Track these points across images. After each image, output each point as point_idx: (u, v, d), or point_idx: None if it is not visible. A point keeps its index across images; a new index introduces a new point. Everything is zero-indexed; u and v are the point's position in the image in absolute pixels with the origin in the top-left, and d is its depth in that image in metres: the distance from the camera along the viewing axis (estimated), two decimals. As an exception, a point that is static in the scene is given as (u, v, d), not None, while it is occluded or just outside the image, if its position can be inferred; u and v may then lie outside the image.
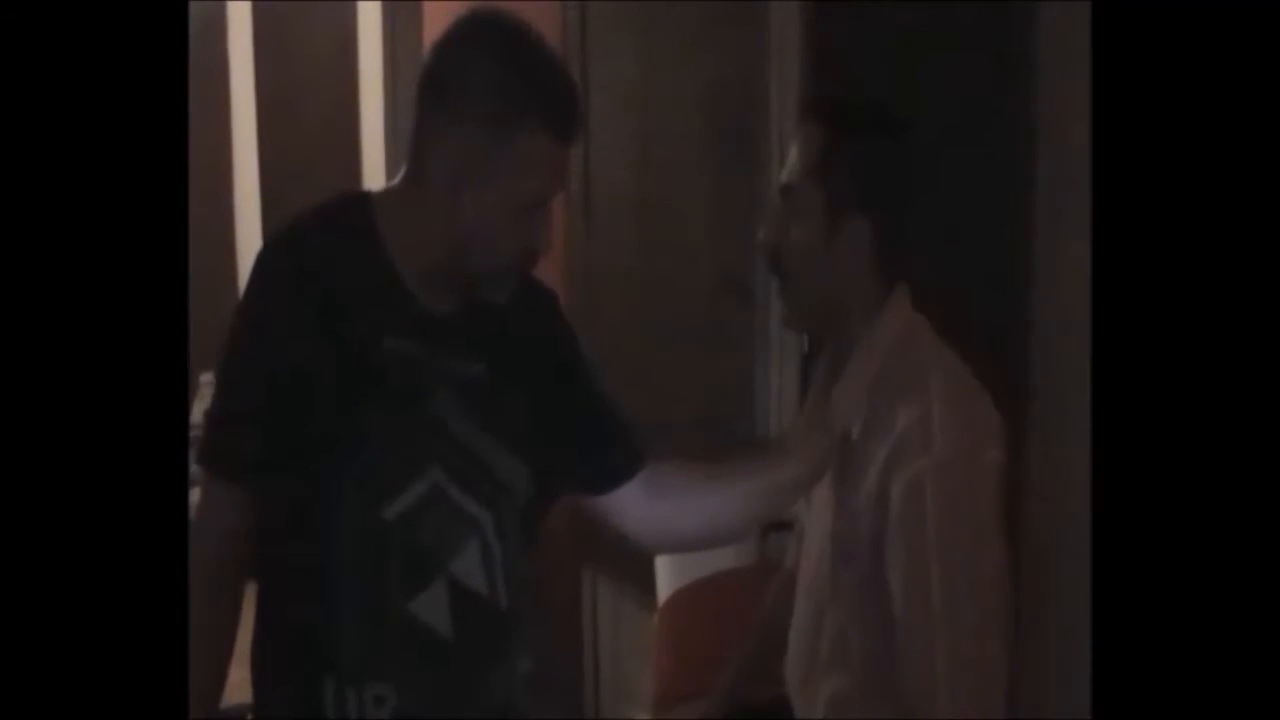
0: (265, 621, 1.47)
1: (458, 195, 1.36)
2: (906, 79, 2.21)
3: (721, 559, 2.30)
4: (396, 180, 1.45)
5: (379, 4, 4.20)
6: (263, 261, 1.43)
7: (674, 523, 1.61)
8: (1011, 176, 2.51)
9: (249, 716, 1.52)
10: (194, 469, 1.28)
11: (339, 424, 1.38)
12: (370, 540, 1.39)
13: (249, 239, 4.80)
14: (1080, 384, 1.35)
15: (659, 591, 2.34)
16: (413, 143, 1.41)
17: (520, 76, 1.35)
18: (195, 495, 1.36)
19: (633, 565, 2.69)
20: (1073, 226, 2.32)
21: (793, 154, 1.64)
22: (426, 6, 3.80)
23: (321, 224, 1.43)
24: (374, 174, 5.13)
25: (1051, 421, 2.41)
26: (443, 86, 1.37)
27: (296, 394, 1.37)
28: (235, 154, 4.93)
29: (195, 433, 1.29)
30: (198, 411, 1.63)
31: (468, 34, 1.38)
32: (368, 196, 1.48)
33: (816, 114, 1.67)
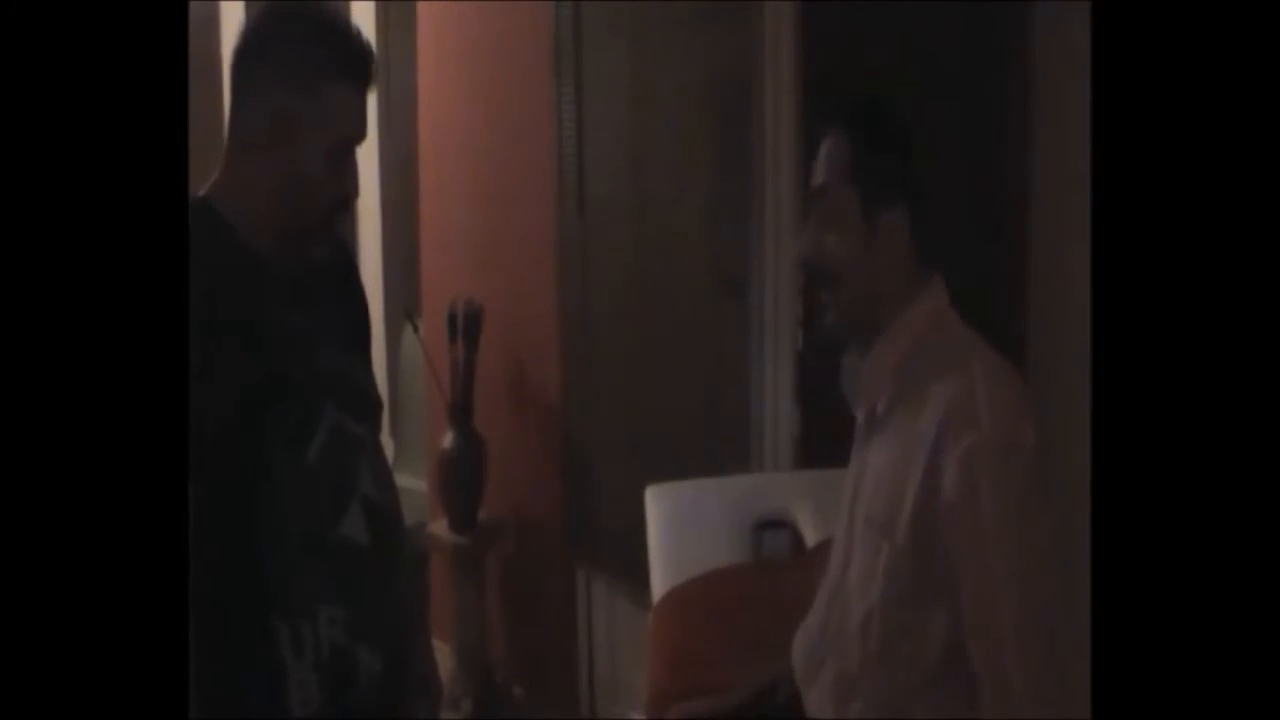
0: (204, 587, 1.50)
1: (276, 151, 1.52)
2: (901, 77, 2.22)
3: (716, 557, 2.31)
4: (218, 170, 1.58)
5: (372, 4, 4.20)
6: None
7: None
8: (1008, 175, 2.52)
9: None
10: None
11: (257, 409, 1.52)
12: (301, 482, 1.55)
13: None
14: (1079, 384, 1.35)
15: (653, 589, 2.34)
16: (230, 123, 1.57)
17: (319, 38, 1.54)
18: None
19: (627, 563, 2.70)
20: (1071, 226, 2.32)
21: (820, 160, 1.66)
22: (420, 6, 3.80)
23: None
24: (369, 170, 5.12)
25: (1049, 424, 2.41)
26: (251, 61, 1.54)
27: (211, 398, 1.45)
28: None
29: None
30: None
31: (270, 14, 1.57)
32: (202, 197, 1.58)
33: (841, 120, 1.67)
